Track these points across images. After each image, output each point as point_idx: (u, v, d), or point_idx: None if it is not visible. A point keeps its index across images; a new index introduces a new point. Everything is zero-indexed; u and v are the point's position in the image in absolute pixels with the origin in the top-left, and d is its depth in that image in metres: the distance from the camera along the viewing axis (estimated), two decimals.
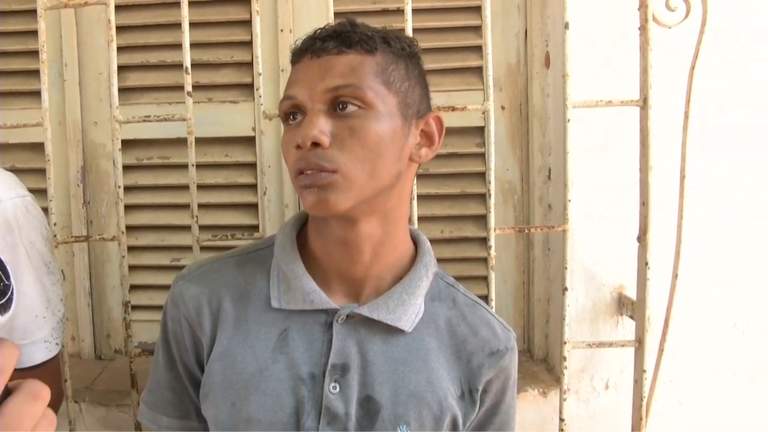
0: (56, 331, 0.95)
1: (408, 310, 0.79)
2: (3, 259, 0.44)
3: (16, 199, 0.87)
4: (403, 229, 0.83)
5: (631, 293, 1.17)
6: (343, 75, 0.72)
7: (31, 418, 0.42)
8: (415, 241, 0.87)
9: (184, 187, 1.20)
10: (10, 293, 0.43)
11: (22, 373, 0.92)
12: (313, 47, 0.75)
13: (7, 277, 0.43)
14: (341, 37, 0.74)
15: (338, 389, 0.76)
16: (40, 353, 0.92)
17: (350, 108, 0.72)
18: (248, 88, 1.35)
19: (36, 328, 0.91)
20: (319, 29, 0.78)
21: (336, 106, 0.72)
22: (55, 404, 1.04)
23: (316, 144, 0.71)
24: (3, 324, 0.42)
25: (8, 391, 0.42)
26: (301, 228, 0.86)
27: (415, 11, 1.09)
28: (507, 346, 0.84)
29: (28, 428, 0.42)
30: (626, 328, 1.26)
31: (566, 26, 1.06)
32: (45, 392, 0.43)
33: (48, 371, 0.95)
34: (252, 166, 1.36)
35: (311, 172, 0.71)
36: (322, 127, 0.71)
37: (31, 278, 0.89)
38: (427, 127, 0.79)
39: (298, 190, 0.75)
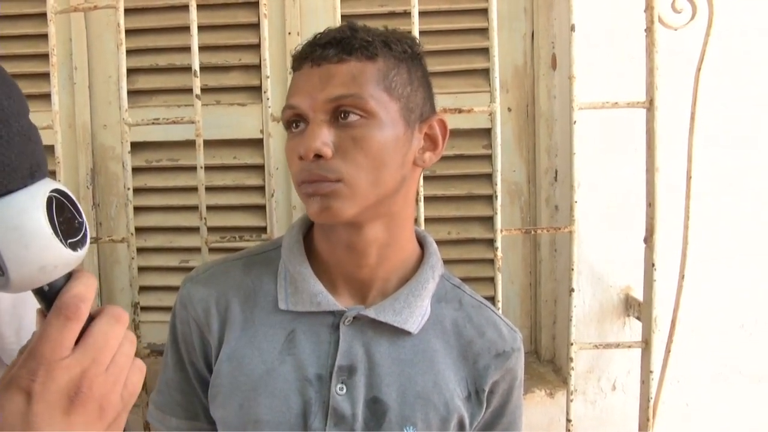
0: None
1: (414, 312, 0.80)
2: (75, 198, 0.47)
3: None
4: (408, 230, 0.83)
5: (638, 294, 1.17)
6: (344, 84, 0.72)
7: (116, 338, 0.46)
8: (422, 243, 0.87)
9: (193, 189, 1.21)
10: (84, 230, 0.47)
11: None
12: (313, 55, 0.74)
13: (80, 215, 0.47)
14: (341, 44, 0.74)
15: (345, 390, 0.77)
16: None
17: (352, 117, 0.72)
18: (256, 90, 1.35)
19: None
20: (318, 34, 0.77)
21: (338, 115, 0.72)
22: None
23: (318, 156, 0.71)
24: (80, 258, 0.45)
25: (91, 317, 0.46)
26: (308, 230, 0.86)
27: (421, 14, 1.10)
28: (513, 347, 0.84)
29: (113, 347, 0.46)
30: (633, 329, 1.26)
31: (572, 28, 1.06)
32: (125, 316, 0.48)
33: None
34: (260, 168, 1.37)
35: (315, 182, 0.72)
36: (324, 138, 0.71)
37: None
38: (431, 130, 0.79)
39: (302, 198, 0.75)
